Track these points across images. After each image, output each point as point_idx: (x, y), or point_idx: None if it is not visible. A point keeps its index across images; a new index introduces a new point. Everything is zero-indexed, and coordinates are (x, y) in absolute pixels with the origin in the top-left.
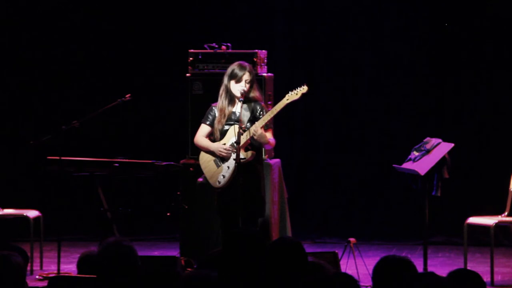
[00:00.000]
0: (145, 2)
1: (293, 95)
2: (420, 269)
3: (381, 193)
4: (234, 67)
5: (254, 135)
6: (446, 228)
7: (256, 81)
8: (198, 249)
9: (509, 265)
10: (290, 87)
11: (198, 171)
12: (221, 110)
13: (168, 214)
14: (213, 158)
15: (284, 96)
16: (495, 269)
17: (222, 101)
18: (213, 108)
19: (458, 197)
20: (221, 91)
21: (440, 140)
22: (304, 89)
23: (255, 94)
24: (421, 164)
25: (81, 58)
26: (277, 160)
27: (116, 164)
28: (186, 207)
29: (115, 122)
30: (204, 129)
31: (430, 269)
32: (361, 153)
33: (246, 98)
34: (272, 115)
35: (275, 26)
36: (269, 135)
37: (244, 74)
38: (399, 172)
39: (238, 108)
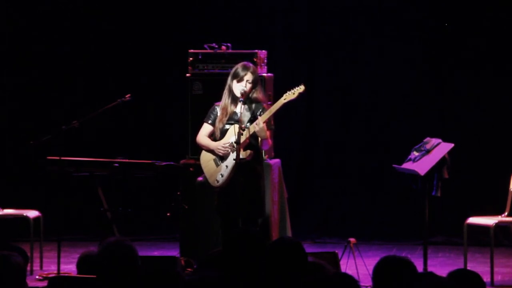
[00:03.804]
0: (145, 2)
1: (290, 95)
2: (420, 269)
3: (381, 193)
4: (237, 66)
5: (256, 127)
6: (446, 228)
7: (260, 82)
8: (198, 249)
9: (509, 265)
10: (290, 87)
11: (198, 171)
12: (224, 109)
13: (168, 214)
14: (213, 157)
15: (282, 96)
16: (495, 269)
17: (225, 100)
18: (216, 107)
19: (458, 197)
20: (225, 90)
21: (440, 140)
22: (301, 88)
23: (258, 95)
24: (421, 164)
25: (81, 58)
26: (277, 160)
27: (116, 164)
28: (186, 207)
29: (115, 122)
30: (206, 128)
31: (430, 269)
32: (361, 153)
33: (248, 99)
34: (269, 115)
35: (275, 26)
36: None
37: (246, 74)
38: (399, 172)
39: (239, 108)
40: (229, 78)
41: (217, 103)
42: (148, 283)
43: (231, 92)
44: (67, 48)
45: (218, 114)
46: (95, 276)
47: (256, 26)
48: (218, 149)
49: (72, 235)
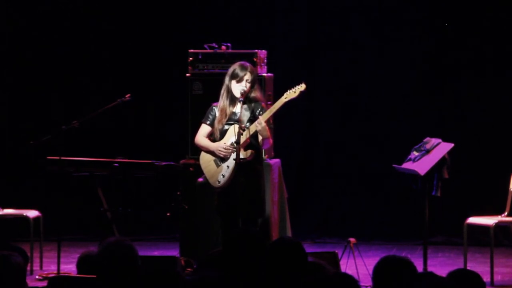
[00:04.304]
0: (145, 2)
1: (291, 93)
2: (420, 269)
3: (381, 193)
4: (235, 67)
5: (258, 126)
6: (446, 228)
7: (258, 81)
8: (198, 249)
9: (509, 265)
10: (290, 87)
11: (198, 171)
12: (222, 110)
13: (168, 214)
14: (213, 158)
15: (283, 95)
16: (495, 269)
17: (223, 100)
18: (214, 107)
19: (458, 197)
20: (222, 91)
21: (440, 140)
22: (302, 87)
23: (256, 94)
24: (421, 164)
25: (81, 58)
26: (277, 160)
27: (116, 164)
28: (186, 207)
29: (115, 122)
30: (204, 129)
31: (430, 269)
32: (361, 153)
33: (246, 98)
34: (270, 113)
35: (275, 26)
36: None
37: (245, 74)
38: (399, 172)
39: (238, 108)
40: (227, 79)
41: (214, 104)
42: (148, 283)
43: (229, 92)
44: (67, 48)
45: (217, 114)
46: (95, 276)
47: (256, 26)
48: (219, 150)
49: (72, 235)
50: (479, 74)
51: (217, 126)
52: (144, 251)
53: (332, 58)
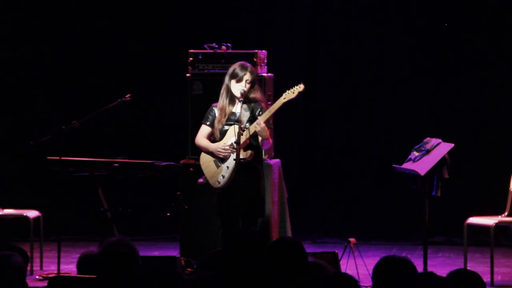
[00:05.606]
0: (145, 2)
1: (290, 94)
2: (420, 269)
3: (381, 193)
4: (235, 66)
5: (257, 127)
6: (446, 228)
7: (258, 82)
8: (198, 249)
9: (509, 265)
10: (290, 87)
11: (198, 171)
12: (222, 110)
13: (168, 214)
14: (213, 158)
15: (282, 95)
16: (495, 269)
17: (222, 100)
18: (213, 108)
19: (458, 197)
20: (222, 91)
21: (440, 140)
22: (300, 87)
23: (256, 95)
24: (421, 164)
25: (81, 58)
26: (277, 160)
27: (116, 164)
28: (186, 207)
29: (115, 122)
30: (204, 129)
31: (430, 269)
32: (361, 153)
33: (246, 99)
34: (269, 114)
35: (275, 26)
36: None
37: (245, 74)
38: (399, 172)
39: (238, 108)
40: (227, 78)
41: (214, 104)
42: (148, 283)
43: (229, 92)
44: (67, 48)
45: (216, 115)
46: (95, 276)
47: (256, 26)
48: (218, 151)
49: (72, 235)
50: (479, 73)
51: (217, 125)
52: (144, 251)
53: (332, 58)
